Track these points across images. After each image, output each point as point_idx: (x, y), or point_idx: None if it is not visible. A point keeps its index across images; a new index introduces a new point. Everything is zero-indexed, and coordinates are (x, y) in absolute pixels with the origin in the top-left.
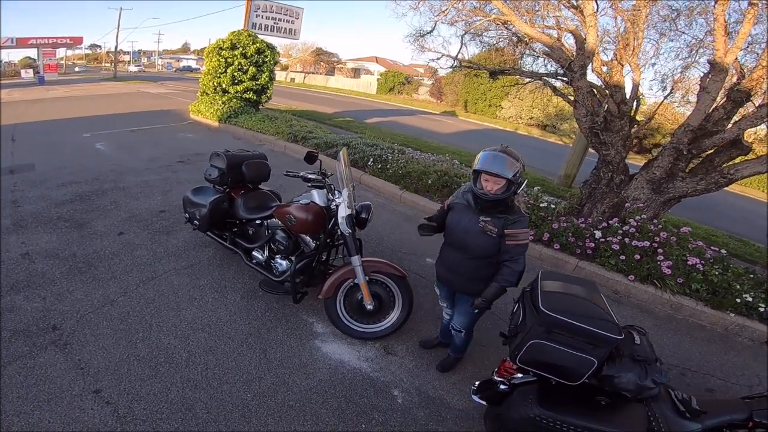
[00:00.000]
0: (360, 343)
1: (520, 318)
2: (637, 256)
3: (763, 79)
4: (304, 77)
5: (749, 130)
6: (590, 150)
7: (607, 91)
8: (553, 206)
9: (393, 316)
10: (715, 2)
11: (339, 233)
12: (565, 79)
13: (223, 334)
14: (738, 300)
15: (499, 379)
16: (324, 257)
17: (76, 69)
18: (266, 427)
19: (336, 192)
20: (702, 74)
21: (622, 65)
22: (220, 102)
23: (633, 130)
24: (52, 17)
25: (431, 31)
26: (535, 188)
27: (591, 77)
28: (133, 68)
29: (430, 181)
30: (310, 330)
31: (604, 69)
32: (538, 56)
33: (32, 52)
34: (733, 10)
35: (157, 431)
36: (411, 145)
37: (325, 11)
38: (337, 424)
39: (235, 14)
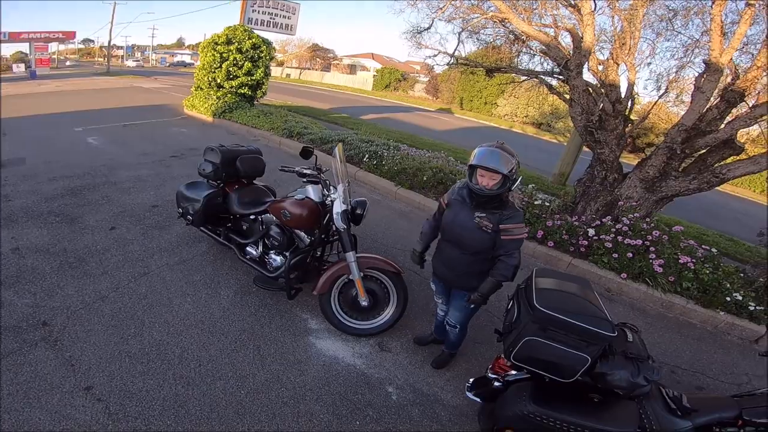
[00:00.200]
0: (354, 340)
1: (515, 315)
2: (630, 255)
3: (758, 79)
4: (300, 73)
5: (742, 130)
6: (585, 148)
7: (602, 90)
8: (547, 204)
9: (388, 313)
10: (713, 2)
11: (334, 229)
12: (561, 77)
13: (216, 331)
14: (728, 298)
15: (494, 376)
16: (319, 253)
17: (67, 63)
18: (260, 423)
19: (331, 188)
20: (697, 74)
21: (618, 64)
22: (214, 97)
23: (627, 129)
24: (44, 11)
25: (428, 28)
26: (530, 186)
27: (587, 76)
28: (131, 63)
29: (425, 178)
30: (305, 326)
31: (600, 68)
32: (534, 54)
33: (24, 47)
34: (730, 11)
35: (149, 428)
36: (406, 142)
37: (322, 7)
38: (332, 420)
39: (231, 9)
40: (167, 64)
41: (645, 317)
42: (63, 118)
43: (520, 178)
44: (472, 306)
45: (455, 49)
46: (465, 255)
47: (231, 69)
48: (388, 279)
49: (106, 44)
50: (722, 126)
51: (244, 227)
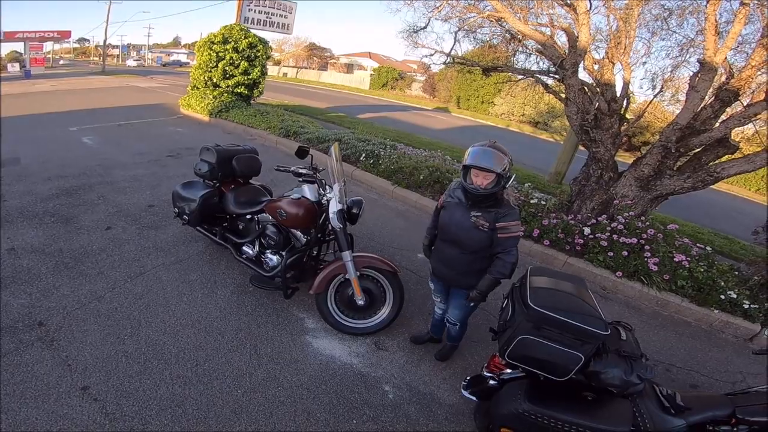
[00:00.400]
0: (351, 339)
1: (509, 314)
2: (625, 253)
3: (752, 78)
4: (297, 72)
5: (737, 129)
6: (581, 147)
7: (597, 89)
8: (543, 203)
9: (384, 312)
10: (707, 2)
11: (330, 228)
12: (557, 76)
13: (213, 330)
14: (722, 297)
15: (489, 374)
16: (315, 252)
17: (61, 62)
18: (257, 423)
19: (327, 187)
20: (692, 73)
21: (614, 63)
22: (211, 96)
23: (623, 128)
24: (39, 10)
25: (425, 28)
26: (526, 185)
27: (582, 75)
28: (132, 63)
29: (421, 177)
30: (301, 325)
31: (596, 67)
32: (530, 53)
33: (19, 46)
34: (725, 10)
35: (146, 428)
36: (403, 141)
37: (319, 6)
38: (328, 419)
39: (227, 8)
40: (162, 64)
41: (640, 315)
42: (58, 117)
43: (513, 176)
44: (472, 304)
45: (452, 49)
46: (463, 254)
47: (227, 68)
48: (384, 278)
49: (101, 43)
50: (717, 125)
51: (241, 227)
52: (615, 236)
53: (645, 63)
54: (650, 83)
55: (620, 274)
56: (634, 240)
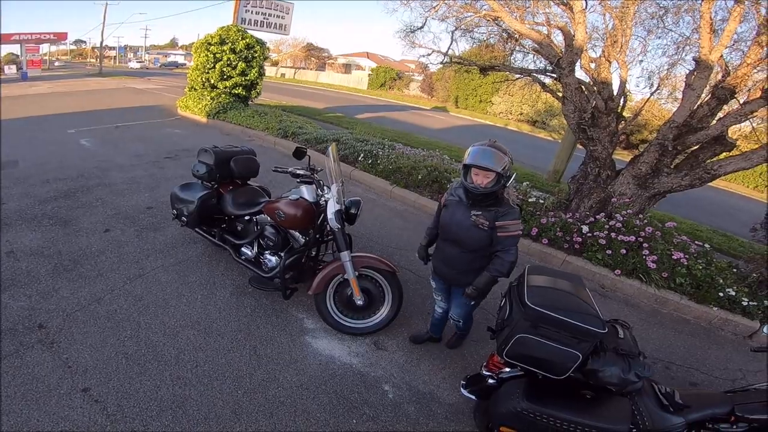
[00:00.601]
0: (350, 339)
1: (507, 312)
2: (623, 251)
3: (748, 76)
4: (295, 73)
5: (734, 127)
6: (579, 146)
7: (594, 88)
8: (541, 201)
9: (383, 312)
10: (702, 0)
11: (328, 229)
12: (554, 75)
13: (212, 331)
14: (721, 294)
15: (488, 373)
16: (314, 253)
17: (56, 64)
18: (257, 423)
19: (325, 187)
20: (688, 71)
21: (610, 62)
22: (208, 97)
23: (620, 126)
24: (35, 12)
25: (422, 27)
26: (524, 183)
27: (579, 74)
28: (135, 65)
29: (420, 177)
30: (301, 326)
31: (592, 66)
32: (527, 53)
33: (15, 48)
34: (720, 8)
35: (147, 429)
36: (401, 141)
37: (316, 6)
38: (328, 419)
39: (224, 9)
40: (159, 65)
41: (639, 313)
42: (55, 119)
43: (514, 175)
44: (473, 302)
45: (449, 48)
46: (464, 253)
47: (225, 69)
48: (383, 278)
49: (98, 45)
50: (713, 122)
51: (239, 228)
52: (613, 234)
53: (641, 61)
54: (647, 81)
55: (619, 272)
56: (633, 238)
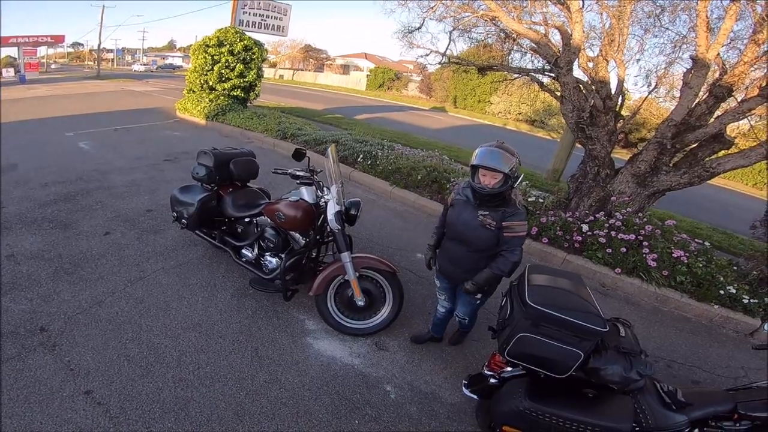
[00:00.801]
0: (351, 340)
1: (508, 312)
2: (623, 249)
3: (745, 74)
4: (293, 74)
5: (732, 124)
6: (578, 145)
7: (592, 87)
8: (541, 200)
9: (384, 312)
10: None
11: (328, 230)
12: (552, 75)
13: (214, 333)
14: (722, 292)
15: (490, 372)
16: (314, 254)
17: (53, 67)
18: (260, 424)
19: (325, 189)
20: (685, 70)
21: (608, 61)
22: (207, 99)
23: (618, 125)
24: (33, 15)
25: (419, 28)
26: (524, 183)
27: (577, 73)
28: (139, 67)
29: (419, 177)
30: (302, 327)
31: (590, 65)
32: (525, 52)
33: (13, 51)
34: (716, 7)
35: (150, 431)
36: (400, 141)
37: (314, 7)
38: (330, 420)
39: (222, 11)
40: (156, 67)
41: (640, 312)
42: (54, 122)
43: (522, 176)
44: (478, 302)
45: (446, 48)
46: (470, 252)
47: (223, 71)
48: (383, 278)
49: (95, 48)
50: (711, 120)
51: (239, 230)
52: (613, 233)
53: (639, 60)
54: (645, 80)
55: (619, 271)
56: (633, 236)
